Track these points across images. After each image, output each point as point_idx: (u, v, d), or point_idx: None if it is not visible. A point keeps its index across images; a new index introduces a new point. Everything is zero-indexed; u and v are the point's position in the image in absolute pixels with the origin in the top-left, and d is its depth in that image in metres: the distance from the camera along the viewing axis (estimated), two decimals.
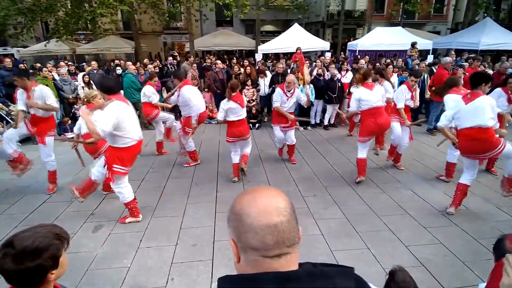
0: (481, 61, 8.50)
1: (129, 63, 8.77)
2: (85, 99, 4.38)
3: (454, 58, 9.49)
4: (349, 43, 15.46)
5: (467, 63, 9.35)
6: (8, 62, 8.34)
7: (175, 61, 10.99)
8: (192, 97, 5.28)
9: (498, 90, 5.03)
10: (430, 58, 10.45)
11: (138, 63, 10.04)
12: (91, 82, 7.75)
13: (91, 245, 3.48)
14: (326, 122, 8.25)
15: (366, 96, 4.64)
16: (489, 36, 12.12)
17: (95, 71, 8.88)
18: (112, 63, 11.15)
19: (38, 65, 10.58)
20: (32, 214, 4.15)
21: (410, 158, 5.86)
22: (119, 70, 8.82)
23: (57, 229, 1.21)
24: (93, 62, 9.48)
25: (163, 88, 8.60)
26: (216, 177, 5.27)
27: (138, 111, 8.32)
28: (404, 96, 5.26)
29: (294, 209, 0.77)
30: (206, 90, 9.10)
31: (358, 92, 4.76)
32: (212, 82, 8.92)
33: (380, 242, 3.48)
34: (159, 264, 3.16)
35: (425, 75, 7.95)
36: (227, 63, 11.01)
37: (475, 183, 4.71)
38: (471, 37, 12.63)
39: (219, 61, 9.38)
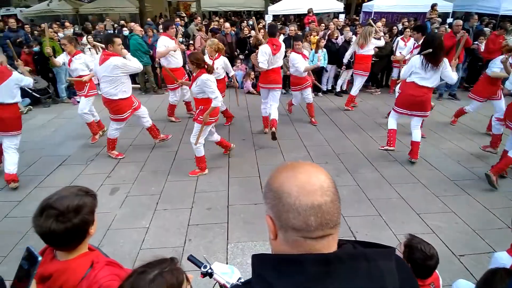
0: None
1: (135, 24, 8.47)
2: (214, 48, 5.21)
3: (476, 23, 8.92)
4: (364, 4, 14.65)
5: (488, 29, 8.83)
6: (12, 22, 8.10)
7: (182, 22, 10.59)
8: None
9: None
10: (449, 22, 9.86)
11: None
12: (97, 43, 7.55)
13: (110, 206, 3.60)
14: (338, 89, 8.06)
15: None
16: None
17: (101, 33, 8.63)
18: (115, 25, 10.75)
19: (43, 25, 10.24)
20: (49, 176, 4.24)
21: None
22: (125, 31, 8.55)
23: (84, 188, 1.26)
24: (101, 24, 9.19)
25: None
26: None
27: (146, 75, 8.20)
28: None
29: (336, 187, 0.72)
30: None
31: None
32: None
33: (391, 209, 3.53)
34: (176, 226, 3.28)
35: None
36: (236, 25, 10.55)
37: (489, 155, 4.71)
38: (492, 0, 11.76)
39: (227, 23, 8.99)
